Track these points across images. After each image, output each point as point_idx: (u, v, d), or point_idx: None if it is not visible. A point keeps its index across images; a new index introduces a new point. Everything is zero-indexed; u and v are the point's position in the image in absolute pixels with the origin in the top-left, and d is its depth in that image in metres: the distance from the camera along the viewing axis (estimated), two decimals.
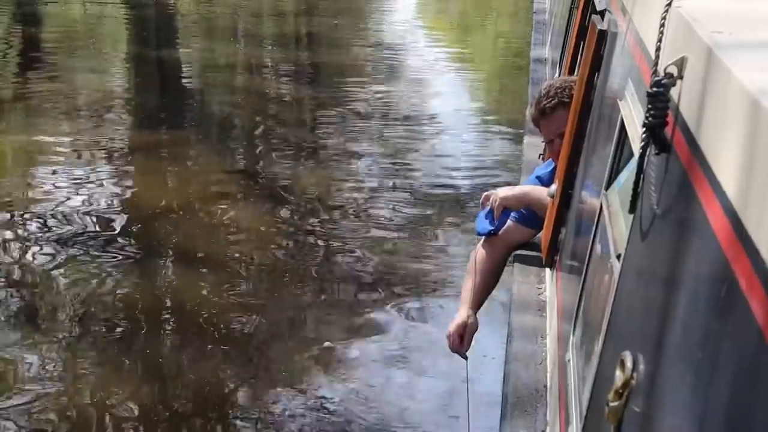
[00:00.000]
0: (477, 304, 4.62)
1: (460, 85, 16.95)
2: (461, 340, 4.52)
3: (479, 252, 4.72)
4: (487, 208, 4.72)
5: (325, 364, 6.94)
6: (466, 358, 4.53)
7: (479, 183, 10.71)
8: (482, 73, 18.51)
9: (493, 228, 4.67)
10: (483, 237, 4.76)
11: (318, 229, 9.53)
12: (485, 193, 4.79)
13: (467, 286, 4.70)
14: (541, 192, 4.59)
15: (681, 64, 2.05)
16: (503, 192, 4.70)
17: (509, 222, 4.72)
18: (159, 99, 15.31)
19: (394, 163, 11.67)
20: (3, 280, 8.00)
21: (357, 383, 6.64)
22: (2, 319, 7.36)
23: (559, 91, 4.61)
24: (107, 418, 6.19)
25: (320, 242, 9.21)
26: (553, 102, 4.61)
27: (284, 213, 10.04)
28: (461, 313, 4.59)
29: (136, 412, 6.26)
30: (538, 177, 4.82)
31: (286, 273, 8.41)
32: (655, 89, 2.00)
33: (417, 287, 8.20)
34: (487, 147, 12.57)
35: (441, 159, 11.86)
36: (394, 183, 10.89)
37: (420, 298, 7.99)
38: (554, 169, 4.64)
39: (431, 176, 11.11)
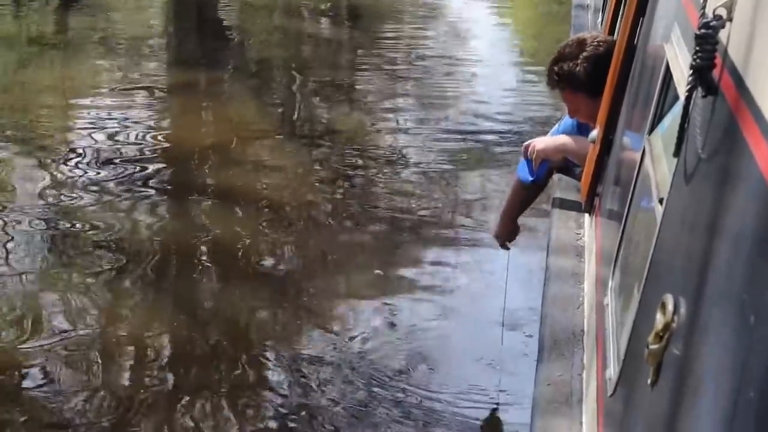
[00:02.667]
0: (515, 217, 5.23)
1: (499, 29, 16.86)
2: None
3: (517, 193, 4.99)
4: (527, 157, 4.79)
5: (359, 299, 6.98)
6: (508, 248, 5.36)
7: (517, 130, 10.69)
8: (523, 17, 18.39)
9: (533, 178, 4.78)
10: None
11: (353, 170, 9.54)
12: (525, 143, 4.86)
13: (506, 206, 5.25)
14: (580, 142, 4.60)
15: (730, 5, 2.03)
16: (541, 144, 4.73)
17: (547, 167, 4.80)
18: (197, 38, 15.31)
19: (431, 107, 11.64)
20: (38, 216, 8.05)
21: (391, 320, 6.66)
22: (38, 255, 7.43)
23: (562, 74, 4.62)
24: (142, 350, 6.24)
25: (356, 183, 9.22)
26: (553, 84, 4.71)
27: (320, 153, 10.05)
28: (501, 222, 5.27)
29: (170, 347, 6.32)
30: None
31: (321, 212, 8.44)
32: (703, 31, 1.98)
33: (452, 227, 8.22)
34: (525, 93, 12.50)
35: (479, 104, 11.81)
36: (430, 127, 10.86)
37: (456, 237, 8.02)
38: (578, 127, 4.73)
39: (468, 122, 11.07)
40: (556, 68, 4.64)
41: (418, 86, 12.61)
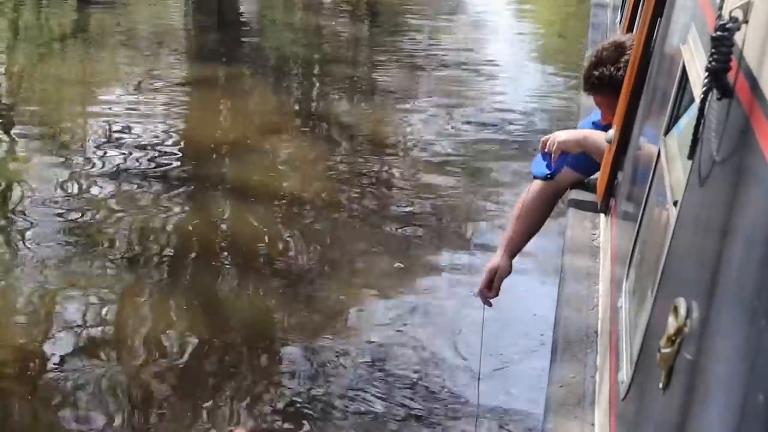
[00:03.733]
0: (515, 250, 4.71)
1: (519, 27, 16.83)
2: (490, 285, 4.64)
3: (531, 194, 4.73)
4: (545, 151, 4.72)
5: (375, 295, 6.98)
6: (489, 305, 4.67)
7: (535, 126, 10.67)
8: (543, 16, 18.36)
9: (549, 172, 4.69)
10: (538, 180, 4.78)
11: (372, 164, 9.54)
12: (543, 138, 4.79)
13: (510, 230, 4.77)
14: (599, 136, 4.57)
15: (747, 8, 2.01)
16: (562, 136, 4.68)
17: (564, 167, 4.72)
18: (217, 34, 15.32)
19: (450, 104, 11.63)
20: (59, 210, 8.08)
21: (408, 314, 6.67)
22: (59, 250, 7.45)
23: (602, 77, 4.54)
24: (159, 345, 6.26)
25: (374, 177, 9.23)
26: (591, 89, 4.62)
27: (338, 148, 10.06)
28: (496, 258, 4.69)
29: (188, 342, 6.33)
30: (594, 123, 4.80)
31: (339, 206, 8.45)
32: (719, 33, 1.96)
33: (469, 223, 8.21)
34: (545, 90, 12.48)
35: (497, 101, 11.80)
36: (449, 124, 10.85)
37: (472, 234, 8.01)
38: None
39: (487, 118, 11.06)
40: (596, 72, 4.55)
41: (438, 82, 12.61)
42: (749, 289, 1.63)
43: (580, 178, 4.74)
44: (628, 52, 4.51)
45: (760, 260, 1.61)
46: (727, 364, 1.67)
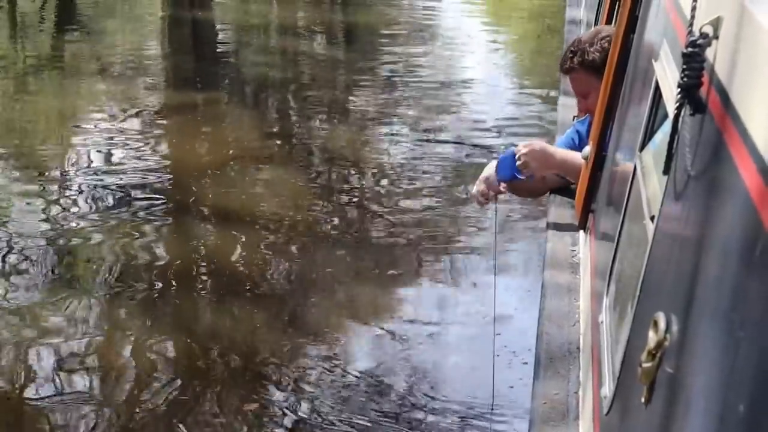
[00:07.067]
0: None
1: (494, 46, 16.87)
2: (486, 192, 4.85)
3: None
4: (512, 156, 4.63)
5: (358, 319, 6.98)
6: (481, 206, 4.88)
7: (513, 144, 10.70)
8: (517, 35, 18.42)
9: (521, 176, 4.61)
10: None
11: (351, 188, 9.55)
12: (526, 145, 4.64)
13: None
14: (574, 162, 4.54)
15: (717, 23, 2.03)
16: (536, 159, 4.58)
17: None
18: (193, 59, 15.33)
19: (428, 125, 11.64)
20: (40, 239, 8.05)
21: (389, 339, 6.68)
22: (39, 277, 7.43)
23: (578, 52, 4.63)
24: (142, 371, 6.24)
25: (354, 202, 9.23)
26: (568, 64, 4.68)
27: (317, 172, 10.06)
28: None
29: (170, 367, 6.32)
30: (578, 131, 4.82)
31: (319, 231, 8.44)
32: (690, 49, 1.98)
33: (449, 246, 8.22)
34: (521, 109, 12.51)
35: (475, 119, 11.83)
36: (427, 144, 10.87)
37: (450, 256, 8.03)
38: (589, 124, 4.67)
39: (465, 138, 11.08)
40: (571, 48, 4.68)
41: (416, 104, 12.62)
42: (727, 301, 1.64)
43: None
44: (604, 32, 4.64)
45: (736, 272, 1.63)
46: (708, 376, 1.68)
